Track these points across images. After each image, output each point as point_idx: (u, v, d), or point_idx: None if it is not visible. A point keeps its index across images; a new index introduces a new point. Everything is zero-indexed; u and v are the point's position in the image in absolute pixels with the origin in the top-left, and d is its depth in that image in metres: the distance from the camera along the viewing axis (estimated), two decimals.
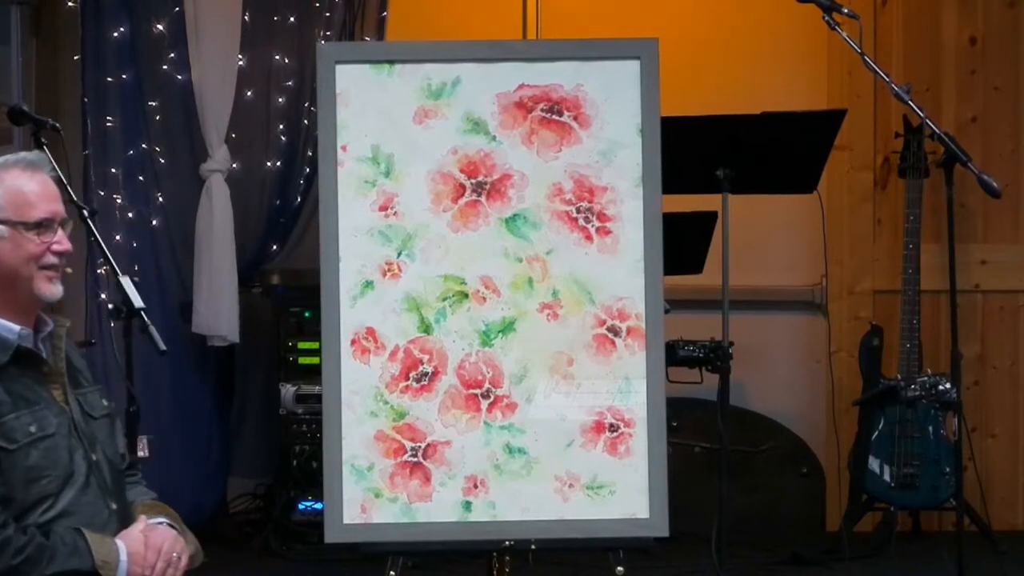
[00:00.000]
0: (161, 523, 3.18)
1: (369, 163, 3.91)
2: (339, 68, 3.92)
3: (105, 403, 3.26)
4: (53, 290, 3.10)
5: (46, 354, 3.14)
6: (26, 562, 2.92)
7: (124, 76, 5.96)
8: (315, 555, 5.62)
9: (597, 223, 3.91)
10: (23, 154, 3.15)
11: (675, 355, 5.44)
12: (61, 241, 3.11)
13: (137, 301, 3.61)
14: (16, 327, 3.08)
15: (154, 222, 6.02)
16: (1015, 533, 6.14)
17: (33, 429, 3.02)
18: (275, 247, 6.26)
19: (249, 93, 6.08)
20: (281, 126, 6.16)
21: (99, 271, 5.75)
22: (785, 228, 6.46)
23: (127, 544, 3.06)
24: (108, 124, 5.93)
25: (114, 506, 3.14)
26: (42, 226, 3.08)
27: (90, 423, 3.17)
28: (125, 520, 3.15)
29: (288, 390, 5.96)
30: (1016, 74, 6.32)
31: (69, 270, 3.16)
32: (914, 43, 6.31)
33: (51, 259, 3.09)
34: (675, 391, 5.27)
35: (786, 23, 6.22)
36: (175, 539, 3.14)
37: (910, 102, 4.18)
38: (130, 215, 5.93)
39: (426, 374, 3.89)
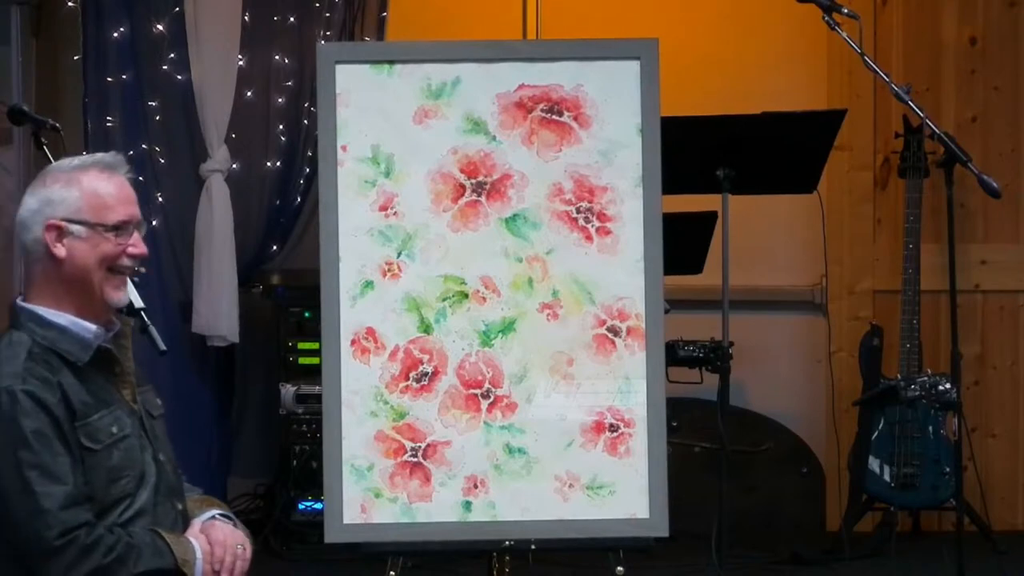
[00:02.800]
0: (214, 516, 3.17)
1: (369, 163, 3.91)
2: (339, 68, 3.92)
3: (159, 402, 3.26)
4: (119, 296, 3.08)
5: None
6: (116, 561, 2.92)
7: (124, 76, 5.95)
8: (315, 555, 5.62)
9: (597, 223, 3.90)
10: (100, 155, 3.11)
11: (675, 355, 5.44)
12: (137, 244, 3.09)
13: (137, 301, 3.60)
14: (93, 327, 3.06)
15: (154, 222, 6.01)
16: (1015, 533, 6.14)
17: (114, 430, 3.02)
18: (275, 247, 6.26)
19: (249, 93, 6.08)
20: (281, 126, 6.15)
21: None
22: (785, 228, 6.46)
23: (198, 543, 3.07)
24: (108, 124, 5.92)
25: (180, 506, 3.15)
26: (119, 228, 3.06)
27: (151, 423, 3.17)
28: (187, 520, 3.16)
29: (288, 390, 5.96)
30: (1016, 74, 6.32)
31: (142, 269, 3.14)
32: (914, 43, 6.31)
33: (126, 261, 3.07)
34: (675, 391, 5.26)
35: (786, 23, 6.22)
36: (234, 531, 3.14)
37: (910, 102, 4.18)
38: None
39: (426, 374, 3.89)
